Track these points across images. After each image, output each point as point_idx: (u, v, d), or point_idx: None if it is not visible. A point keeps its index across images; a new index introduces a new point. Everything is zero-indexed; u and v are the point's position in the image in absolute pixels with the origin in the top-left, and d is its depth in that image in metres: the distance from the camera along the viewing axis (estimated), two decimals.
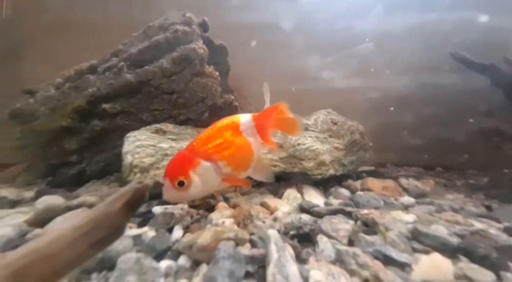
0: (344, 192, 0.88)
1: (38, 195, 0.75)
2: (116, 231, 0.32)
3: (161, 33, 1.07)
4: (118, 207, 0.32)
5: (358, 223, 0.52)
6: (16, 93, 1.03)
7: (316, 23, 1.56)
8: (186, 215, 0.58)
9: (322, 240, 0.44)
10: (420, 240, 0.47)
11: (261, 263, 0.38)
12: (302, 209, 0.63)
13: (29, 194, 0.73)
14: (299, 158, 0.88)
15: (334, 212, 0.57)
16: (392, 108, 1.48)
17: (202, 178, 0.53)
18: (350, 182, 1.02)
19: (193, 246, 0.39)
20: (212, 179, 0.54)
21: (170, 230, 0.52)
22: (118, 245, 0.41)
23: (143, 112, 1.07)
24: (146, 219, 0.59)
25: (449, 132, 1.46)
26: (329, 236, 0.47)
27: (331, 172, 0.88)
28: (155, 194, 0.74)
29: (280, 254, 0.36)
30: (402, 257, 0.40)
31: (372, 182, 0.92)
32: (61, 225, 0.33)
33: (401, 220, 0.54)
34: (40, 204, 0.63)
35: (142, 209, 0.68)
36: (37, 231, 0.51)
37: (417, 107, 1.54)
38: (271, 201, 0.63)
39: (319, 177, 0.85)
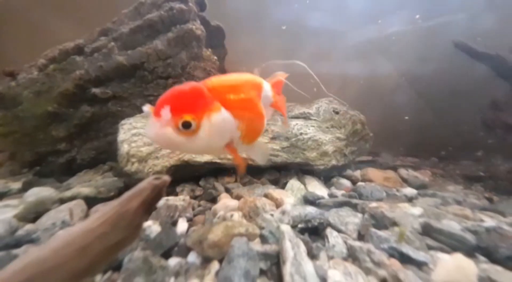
0: (346, 182, 0.87)
1: (27, 186, 0.70)
2: (133, 232, 0.28)
3: (154, 10, 0.99)
4: (136, 206, 0.28)
5: (366, 216, 0.51)
6: None
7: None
8: (188, 206, 0.56)
9: (332, 234, 0.42)
10: (433, 236, 0.46)
11: (274, 259, 0.36)
12: (307, 201, 0.61)
13: (16, 185, 0.68)
14: (301, 147, 0.86)
15: (341, 204, 0.56)
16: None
17: (215, 129, 0.38)
18: (349, 172, 1.02)
19: (204, 242, 0.37)
20: (224, 136, 0.40)
21: (174, 223, 0.49)
22: None
23: (136, 98, 1.00)
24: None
25: (448, 123, 1.46)
26: (338, 230, 0.45)
27: (333, 162, 0.87)
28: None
29: (296, 251, 0.34)
30: (420, 256, 0.39)
31: (373, 173, 0.91)
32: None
33: (411, 213, 0.53)
34: (30, 196, 0.59)
35: None
36: (29, 226, 0.47)
37: (414, 98, 1.53)
38: (275, 192, 0.61)
39: (322, 167, 0.84)
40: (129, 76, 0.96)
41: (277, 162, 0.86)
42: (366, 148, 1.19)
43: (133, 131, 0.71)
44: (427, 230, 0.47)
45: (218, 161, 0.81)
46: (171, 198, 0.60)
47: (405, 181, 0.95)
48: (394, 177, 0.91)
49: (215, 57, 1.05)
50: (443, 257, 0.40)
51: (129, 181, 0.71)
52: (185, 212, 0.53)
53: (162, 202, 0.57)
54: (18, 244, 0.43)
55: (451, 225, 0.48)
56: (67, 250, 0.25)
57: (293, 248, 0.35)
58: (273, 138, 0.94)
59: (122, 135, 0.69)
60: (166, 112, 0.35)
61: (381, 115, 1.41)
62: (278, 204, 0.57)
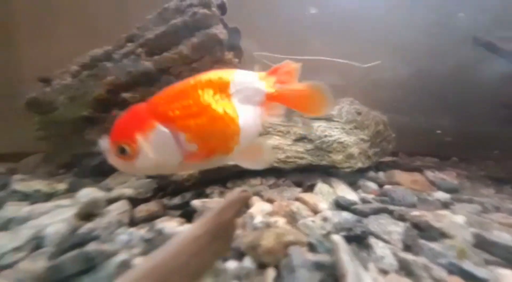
0: (372, 185, 0.83)
1: (73, 187, 0.72)
2: (229, 241, 0.29)
3: (177, 16, 0.98)
4: (230, 217, 0.28)
5: (407, 224, 0.48)
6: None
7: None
8: None
9: (378, 244, 0.40)
10: (487, 250, 0.42)
11: (327, 270, 0.34)
12: (339, 206, 0.59)
13: (61, 186, 0.71)
14: (326, 150, 0.83)
15: (377, 211, 0.53)
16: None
17: (157, 148, 0.35)
18: (372, 174, 0.97)
19: (258, 248, 0.37)
20: (172, 154, 0.36)
21: None
22: None
23: None
24: (186, 213, 0.56)
25: (467, 122, 1.38)
26: (382, 239, 0.42)
27: (359, 164, 0.83)
28: (187, 186, 0.71)
29: (355, 265, 0.32)
30: (482, 273, 0.35)
31: (399, 175, 0.87)
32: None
33: (458, 224, 0.49)
34: (83, 197, 0.62)
35: (176, 200, 0.65)
36: (89, 225, 0.49)
37: (426, 94, 1.44)
38: (307, 196, 0.59)
39: (348, 170, 0.80)
40: (156, 81, 0.96)
41: (302, 164, 0.84)
42: (389, 149, 1.14)
43: None
44: (480, 243, 0.44)
45: None
46: (207, 200, 0.60)
47: (433, 184, 0.90)
48: (421, 179, 0.86)
49: (237, 60, 1.03)
50: (504, 273, 0.36)
51: (162, 182, 0.71)
52: None
53: (199, 204, 0.57)
54: (83, 242, 0.43)
55: (504, 236, 0.45)
56: (183, 256, 0.26)
57: (352, 261, 0.33)
58: (297, 140, 0.91)
59: None
60: (105, 141, 0.36)
61: (395, 113, 1.34)
62: (312, 209, 0.54)
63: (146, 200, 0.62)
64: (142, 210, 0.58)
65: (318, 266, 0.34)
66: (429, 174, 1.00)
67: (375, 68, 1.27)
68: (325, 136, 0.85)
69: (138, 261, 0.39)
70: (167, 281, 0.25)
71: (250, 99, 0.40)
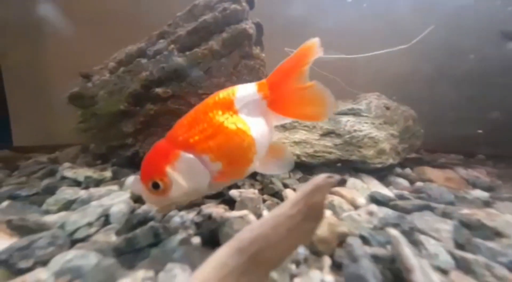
0: (403, 182, 0.80)
1: (116, 175, 0.78)
2: (316, 225, 0.30)
3: (207, 12, 0.98)
4: (320, 200, 0.29)
5: (455, 222, 0.46)
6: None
7: None
8: (259, 199, 0.56)
9: (429, 242, 0.39)
10: None
11: (386, 264, 0.34)
12: (375, 201, 0.58)
13: (107, 174, 0.75)
14: (356, 145, 0.81)
15: (421, 208, 0.51)
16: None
17: (186, 175, 0.37)
18: (398, 170, 0.94)
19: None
20: (201, 176, 0.38)
21: (259, 216, 0.49)
22: (231, 228, 0.40)
23: (191, 97, 1.02)
24: (225, 201, 0.58)
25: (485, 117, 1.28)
26: (431, 237, 0.41)
27: (391, 160, 0.81)
28: None
29: (419, 260, 0.31)
30: None
31: (431, 172, 0.83)
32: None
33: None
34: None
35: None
36: (144, 207, 0.53)
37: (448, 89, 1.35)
38: (344, 190, 0.58)
39: (379, 166, 0.79)
40: (186, 76, 0.98)
41: (331, 159, 0.83)
42: (417, 145, 1.10)
43: None
44: None
45: None
46: (243, 190, 0.61)
47: (467, 181, 0.86)
48: (456, 177, 0.82)
49: (263, 55, 1.02)
50: None
51: None
52: (262, 205, 0.53)
53: (237, 193, 0.58)
54: (145, 221, 0.48)
55: None
56: (281, 230, 0.27)
57: (415, 256, 0.32)
58: (324, 135, 0.90)
59: None
60: (138, 183, 0.38)
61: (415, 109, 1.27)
62: (351, 203, 0.54)
63: None
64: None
65: (376, 259, 0.34)
66: (462, 171, 0.95)
67: (396, 63, 1.21)
68: (355, 131, 0.83)
69: (196, 240, 0.42)
70: (266, 253, 0.26)
71: (254, 111, 0.41)
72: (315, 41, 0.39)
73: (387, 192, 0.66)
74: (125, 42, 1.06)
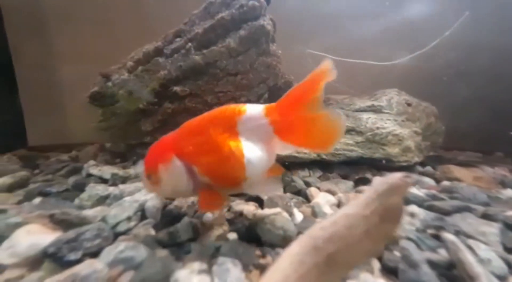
0: (428, 180, 0.76)
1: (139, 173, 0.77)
2: (396, 226, 0.28)
3: (223, 9, 0.96)
4: (397, 201, 0.27)
5: (499, 225, 0.43)
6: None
7: None
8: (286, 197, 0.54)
9: (479, 246, 0.35)
10: None
11: (441, 270, 0.31)
12: (407, 201, 0.54)
13: (131, 171, 0.75)
14: (380, 142, 0.77)
15: (460, 209, 0.48)
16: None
17: (170, 178, 0.40)
18: (419, 168, 0.90)
19: None
20: (182, 184, 0.40)
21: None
22: (272, 225, 0.40)
23: (208, 95, 1.01)
24: (252, 199, 0.57)
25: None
26: (480, 241, 0.38)
27: (416, 158, 0.77)
28: None
29: (483, 268, 0.28)
30: None
31: (458, 171, 0.79)
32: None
33: None
34: None
35: None
36: (176, 202, 0.54)
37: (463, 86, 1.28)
38: None
39: (405, 164, 0.75)
40: (203, 74, 0.96)
41: (352, 157, 0.80)
42: (439, 142, 1.05)
43: None
44: None
45: (296, 154, 0.77)
46: None
47: (495, 181, 0.81)
48: (485, 176, 0.78)
49: (280, 52, 0.99)
50: None
51: None
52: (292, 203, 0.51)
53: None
54: (179, 216, 0.48)
55: None
56: (357, 231, 0.26)
57: (479, 263, 0.29)
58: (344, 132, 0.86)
59: None
60: (142, 168, 0.43)
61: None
62: None
63: None
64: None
65: (431, 265, 0.31)
66: (488, 169, 0.90)
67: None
68: (377, 128, 0.80)
69: (232, 236, 0.42)
70: (343, 254, 0.25)
71: (257, 135, 0.40)
72: (328, 64, 0.37)
73: (415, 191, 0.62)
74: (137, 41, 1.06)
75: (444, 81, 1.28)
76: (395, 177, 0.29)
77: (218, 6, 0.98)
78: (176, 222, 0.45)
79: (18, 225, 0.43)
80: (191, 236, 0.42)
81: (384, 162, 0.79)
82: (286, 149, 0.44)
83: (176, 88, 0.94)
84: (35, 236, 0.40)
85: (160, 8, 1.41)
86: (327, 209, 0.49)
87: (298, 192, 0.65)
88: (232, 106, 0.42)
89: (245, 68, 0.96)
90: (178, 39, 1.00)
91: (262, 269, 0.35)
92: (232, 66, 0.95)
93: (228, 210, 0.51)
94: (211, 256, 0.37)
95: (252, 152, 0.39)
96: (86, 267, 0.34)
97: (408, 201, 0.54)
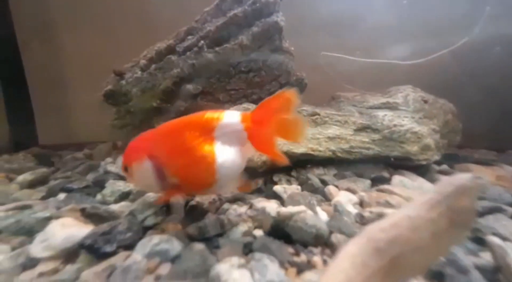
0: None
1: None
2: (466, 230, 0.27)
3: (235, 6, 0.94)
4: (467, 204, 0.25)
5: None
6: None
7: None
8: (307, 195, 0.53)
9: None
10: None
11: (487, 274, 0.29)
12: None
13: None
14: (398, 140, 0.75)
15: (491, 210, 0.45)
16: None
17: (140, 175, 0.43)
18: (435, 167, 0.86)
19: None
20: (149, 183, 0.43)
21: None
22: (304, 223, 0.39)
23: (219, 92, 1.00)
24: (271, 196, 0.56)
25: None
26: None
27: (436, 157, 0.74)
28: (261, 173, 0.70)
29: None
30: None
31: (479, 170, 0.75)
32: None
33: None
34: None
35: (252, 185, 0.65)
36: (197, 199, 0.54)
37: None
38: (396, 188, 0.54)
39: (424, 162, 0.72)
40: (215, 72, 0.95)
41: (369, 155, 0.77)
42: (456, 140, 1.01)
43: None
44: None
45: (311, 152, 0.75)
46: (286, 186, 0.58)
47: None
48: (507, 175, 0.74)
49: (292, 48, 0.97)
50: None
51: None
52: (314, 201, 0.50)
53: (281, 189, 0.55)
54: (202, 212, 0.49)
55: None
56: (424, 234, 0.24)
57: None
58: (358, 130, 0.84)
59: None
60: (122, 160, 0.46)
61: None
62: (408, 201, 0.49)
63: None
64: (227, 192, 0.58)
65: (479, 269, 0.29)
66: (509, 168, 0.86)
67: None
68: (395, 125, 0.77)
69: (258, 232, 0.42)
70: (409, 258, 0.23)
71: (232, 141, 0.43)
72: (292, 93, 0.40)
73: None
74: (143, 41, 1.05)
75: (457, 78, 1.23)
76: (463, 178, 0.27)
77: (230, 3, 0.96)
78: (200, 217, 0.45)
79: (47, 219, 0.44)
80: (218, 231, 0.42)
81: (393, 159, 0.77)
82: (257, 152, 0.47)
83: (189, 86, 0.94)
84: (70, 229, 0.40)
85: (164, 7, 1.40)
86: (350, 208, 0.48)
87: (315, 190, 0.64)
88: (211, 112, 0.44)
89: (258, 65, 0.94)
90: (190, 37, 0.99)
91: (298, 267, 0.35)
92: (245, 63, 0.94)
93: (250, 207, 0.50)
94: (242, 251, 0.37)
95: (226, 156, 0.42)
96: (122, 258, 0.35)
97: None
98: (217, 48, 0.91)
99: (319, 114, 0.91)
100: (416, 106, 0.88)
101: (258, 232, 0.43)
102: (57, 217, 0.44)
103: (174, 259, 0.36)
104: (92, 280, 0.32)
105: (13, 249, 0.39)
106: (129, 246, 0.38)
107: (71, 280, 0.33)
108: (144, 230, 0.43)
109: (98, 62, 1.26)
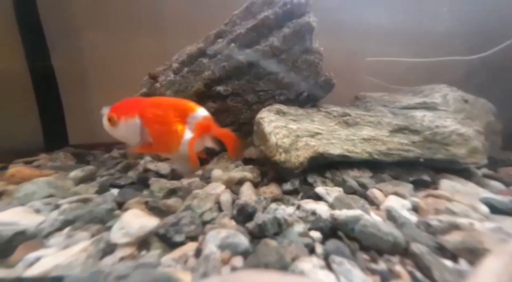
0: (498, 185, 0.67)
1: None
2: None
3: (265, 8, 0.93)
4: None
5: None
6: None
7: None
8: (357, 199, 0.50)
9: None
10: None
11: None
12: (493, 208, 0.46)
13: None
14: (442, 142, 0.69)
15: None
16: None
17: (127, 129, 0.56)
18: (477, 171, 0.79)
19: (477, 252, 0.29)
20: (132, 137, 0.57)
21: None
22: (376, 229, 0.37)
23: (248, 94, 0.99)
24: (312, 197, 0.53)
25: None
26: None
27: (485, 160, 0.67)
28: (298, 173, 0.68)
29: None
30: None
31: None
32: None
33: None
34: (225, 175, 0.66)
35: (288, 186, 0.63)
36: (243, 198, 0.54)
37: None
38: (458, 195, 0.49)
39: (473, 166, 0.66)
40: (245, 74, 0.94)
41: (408, 157, 0.72)
42: (498, 142, 0.93)
43: (273, 124, 0.69)
44: None
45: (348, 154, 0.72)
46: (329, 188, 0.56)
47: None
48: None
49: (322, 48, 0.94)
50: None
51: (275, 169, 0.69)
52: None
53: (323, 191, 0.53)
54: (252, 211, 0.48)
55: None
56: None
57: None
58: (394, 131, 0.79)
59: (267, 128, 0.67)
60: (107, 110, 0.58)
61: None
62: (474, 211, 0.44)
63: (257, 184, 0.65)
64: (266, 191, 0.57)
65: None
66: None
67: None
68: (437, 127, 0.72)
69: (315, 234, 0.41)
70: None
71: (198, 129, 0.58)
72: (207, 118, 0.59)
73: (490, 195, 0.54)
74: (168, 43, 1.06)
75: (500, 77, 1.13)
76: None
77: (260, 5, 0.95)
78: (250, 215, 0.46)
79: (111, 211, 0.48)
80: (276, 230, 0.42)
81: (422, 160, 0.72)
82: (208, 144, 0.63)
83: (219, 88, 0.93)
84: (141, 219, 0.43)
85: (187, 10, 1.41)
86: (405, 213, 0.44)
87: (354, 193, 0.60)
88: (190, 102, 0.61)
89: (288, 66, 0.92)
90: (220, 40, 0.99)
91: (381, 275, 0.33)
92: (275, 64, 0.92)
93: (298, 208, 0.48)
94: (309, 253, 0.36)
95: (189, 136, 0.57)
96: (191, 248, 0.36)
97: (495, 208, 0.46)
98: (247, 50, 0.90)
99: (349, 115, 0.87)
100: (457, 106, 0.82)
101: (316, 234, 0.41)
102: (126, 209, 0.47)
103: (244, 253, 0.36)
104: (174, 265, 0.33)
105: (93, 235, 0.42)
106: (194, 238, 0.40)
107: (155, 263, 0.34)
108: (203, 224, 0.44)
109: (125, 64, 1.30)
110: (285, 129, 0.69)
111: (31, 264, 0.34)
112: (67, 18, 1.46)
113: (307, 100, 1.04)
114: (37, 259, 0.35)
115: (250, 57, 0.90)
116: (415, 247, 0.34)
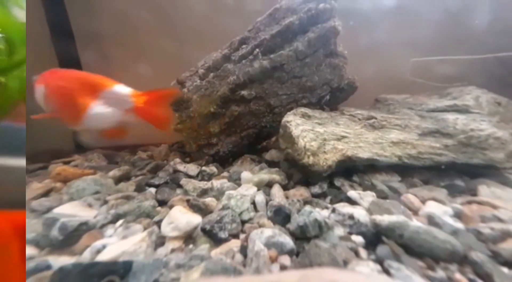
0: None
1: (221, 171, 0.85)
2: None
3: (289, 14, 0.93)
4: None
5: None
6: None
7: None
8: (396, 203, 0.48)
9: None
10: None
11: None
12: None
13: (213, 169, 0.78)
14: (478, 146, 0.66)
15: None
16: None
17: (37, 95, 0.61)
18: (510, 176, 0.73)
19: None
20: (40, 103, 0.61)
21: None
22: (431, 235, 0.36)
23: (271, 97, 1.00)
24: (343, 200, 0.53)
25: None
26: None
27: None
28: (325, 176, 0.67)
29: None
30: None
31: None
32: None
33: None
34: (256, 177, 0.67)
35: (317, 189, 0.62)
36: (277, 200, 0.55)
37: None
38: (494, 200, 0.46)
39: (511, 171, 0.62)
40: (269, 78, 0.95)
41: (441, 162, 0.69)
42: None
43: (301, 127, 0.69)
44: None
45: (377, 158, 0.70)
46: (362, 192, 0.55)
47: None
48: None
49: (346, 52, 0.93)
50: None
51: (302, 171, 0.69)
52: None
53: (356, 195, 0.52)
54: (288, 213, 0.49)
55: None
56: None
57: None
58: (424, 134, 0.76)
59: (295, 131, 0.67)
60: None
61: None
62: None
63: (284, 186, 0.65)
64: (296, 194, 0.57)
65: None
66: None
67: None
68: (472, 130, 0.68)
69: (357, 239, 0.41)
70: None
71: (113, 104, 0.62)
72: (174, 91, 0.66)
73: None
74: (190, 51, 1.08)
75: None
76: None
77: (283, 11, 0.96)
78: (285, 216, 0.46)
79: (154, 207, 0.50)
80: (317, 233, 0.42)
81: (443, 167, 0.69)
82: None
83: (243, 92, 0.95)
84: (186, 215, 0.45)
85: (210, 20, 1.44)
86: (448, 220, 0.42)
87: (385, 198, 0.59)
88: (105, 78, 0.63)
89: (311, 70, 0.92)
90: (244, 46, 1.01)
91: None
92: (299, 68, 0.92)
93: (333, 211, 0.47)
94: (356, 257, 0.36)
95: (98, 110, 0.60)
96: (235, 245, 0.37)
97: None
98: (271, 55, 0.91)
99: (375, 118, 0.85)
100: (491, 109, 0.77)
101: (358, 239, 0.40)
102: (171, 206, 0.50)
103: (289, 253, 0.36)
104: (224, 258, 0.35)
105: (145, 228, 0.44)
106: (236, 235, 0.42)
107: (206, 256, 0.36)
108: (242, 223, 0.45)
109: (152, 71, 1.34)
110: (312, 133, 0.68)
111: (98, 251, 0.38)
112: (92, 26, 1.53)
113: (329, 103, 1.03)
114: (104, 247, 0.38)
115: (274, 62, 0.91)
116: (475, 256, 0.33)
